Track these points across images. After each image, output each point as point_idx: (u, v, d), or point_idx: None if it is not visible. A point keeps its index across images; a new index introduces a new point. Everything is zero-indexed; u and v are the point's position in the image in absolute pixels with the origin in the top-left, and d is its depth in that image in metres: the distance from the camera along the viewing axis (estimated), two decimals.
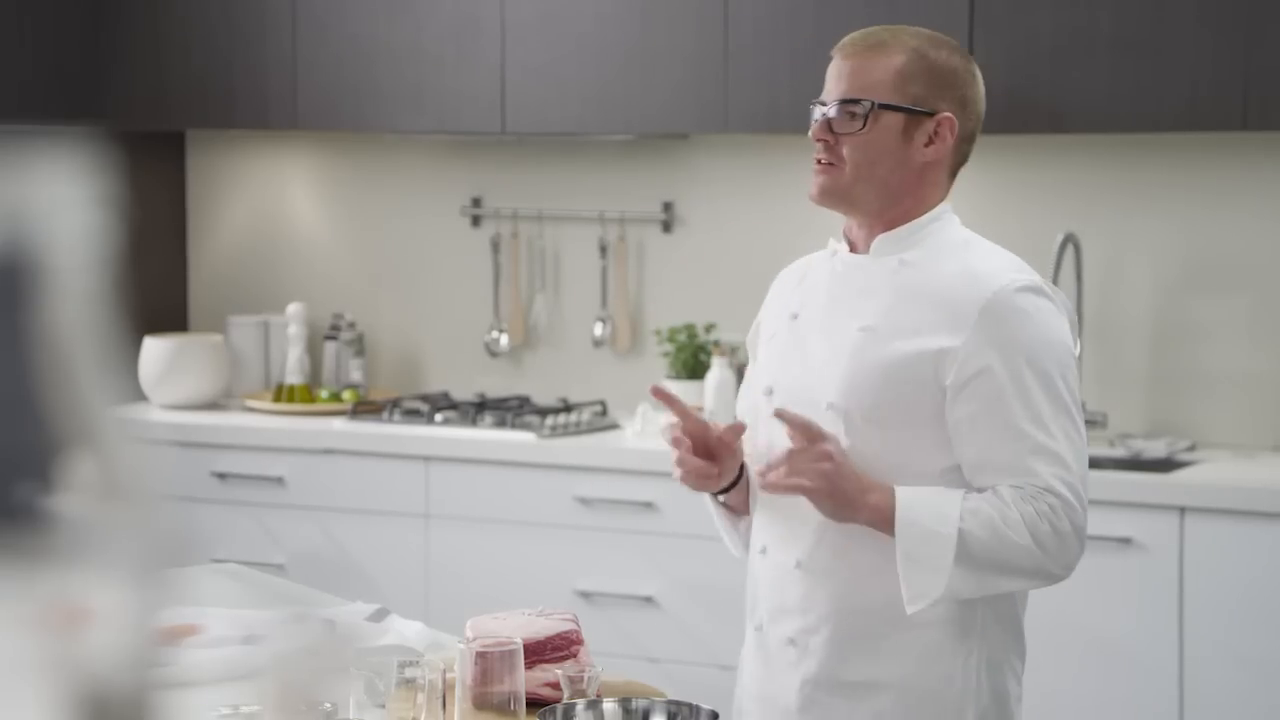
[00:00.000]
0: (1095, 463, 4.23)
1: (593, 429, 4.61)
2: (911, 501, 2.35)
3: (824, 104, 2.49)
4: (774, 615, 2.53)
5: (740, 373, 4.64)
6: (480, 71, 4.68)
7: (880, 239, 2.50)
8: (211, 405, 4.99)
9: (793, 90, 4.35)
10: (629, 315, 4.90)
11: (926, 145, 2.46)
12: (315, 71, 4.85)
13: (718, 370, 4.54)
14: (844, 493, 2.35)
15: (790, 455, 2.36)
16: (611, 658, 3.98)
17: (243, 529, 4.73)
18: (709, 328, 4.70)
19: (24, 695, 1.06)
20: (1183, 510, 3.85)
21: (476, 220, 5.08)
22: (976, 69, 2.54)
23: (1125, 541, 3.88)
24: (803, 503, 2.41)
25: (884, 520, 2.35)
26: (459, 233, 5.11)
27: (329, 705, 2.20)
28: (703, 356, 4.62)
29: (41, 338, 0.99)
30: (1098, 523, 3.93)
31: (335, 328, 5.10)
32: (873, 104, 2.44)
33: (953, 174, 2.52)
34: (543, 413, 4.63)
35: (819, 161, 2.50)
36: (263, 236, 5.34)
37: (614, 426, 4.65)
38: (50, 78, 4.93)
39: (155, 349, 4.95)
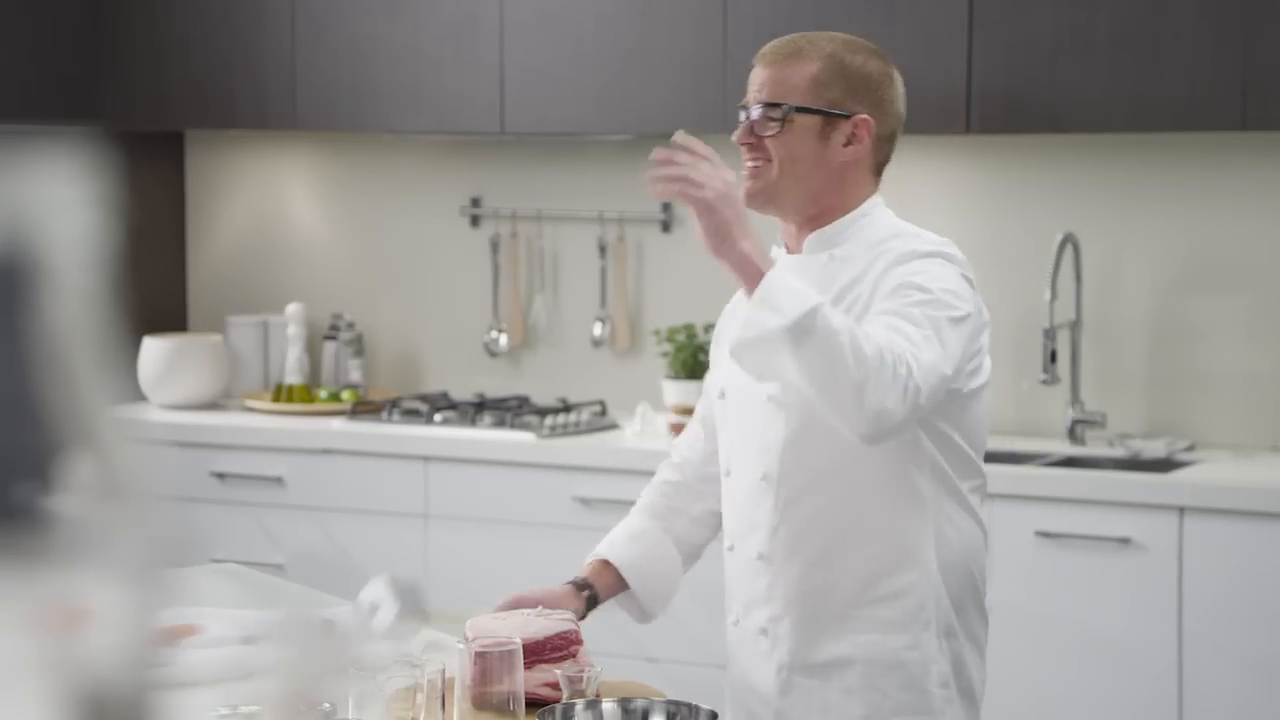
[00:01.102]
0: (1094, 462, 4.26)
1: (592, 429, 4.61)
2: (781, 272, 2.39)
3: (746, 108, 2.60)
4: (746, 607, 2.63)
5: None
6: (479, 72, 4.68)
7: (810, 238, 2.59)
8: (211, 405, 4.99)
9: None
10: (628, 315, 4.90)
11: (845, 145, 2.56)
12: (314, 72, 4.85)
13: None
14: (726, 219, 2.40)
15: (697, 161, 2.44)
16: (611, 658, 3.97)
17: (242, 529, 4.73)
18: (708, 328, 4.70)
19: (23, 695, 1.06)
20: (1182, 510, 3.85)
21: (475, 220, 5.08)
22: (895, 72, 2.63)
23: (1124, 541, 3.88)
24: (761, 496, 2.54)
25: (751, 268, 2.38)
26: (458, 233, 5.11)
27: (328, 705, 2.20)
28: (701, 356, 4.62)
29: (40, 338, 0.99)
30: (1097, 522, 3.94)
31: (334, 328, 5.10)
32: (790, 107, 2.54)
33: (877, 172, 2.63)
34: (542, 413, 4.63)
35: (746, 163, 2.59)
36: (262, 236, 5.34)
37: (613, 426, 4.65)
38: (50, 78, 4.93)
39: (154, 349, 4.95)
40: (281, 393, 4.96)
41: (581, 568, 2.77)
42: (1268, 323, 4.29)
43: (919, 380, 2.35)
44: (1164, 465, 4.08)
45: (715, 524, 2.77)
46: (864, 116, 2.56)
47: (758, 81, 2.61)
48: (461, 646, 2.31)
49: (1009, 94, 4.15)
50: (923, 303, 2.43)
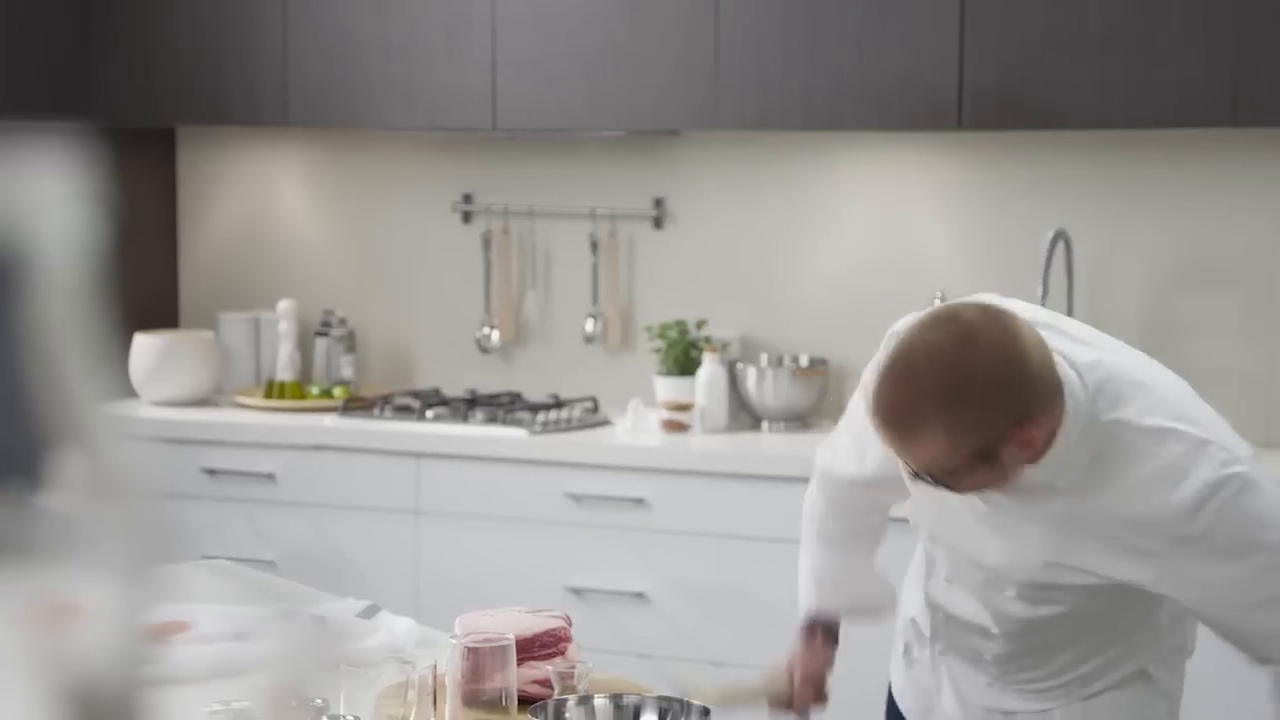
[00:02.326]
0: None
1: (584, 425, 4.61)
2: None
3: (914, 471, 2.28)
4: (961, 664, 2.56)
5: (731, 369, 4.64)
6: (471, 68, 4.67)
7: (1029, 470, 2.29)
8: (202, 402, 4.99)
9: (783, 86, 4.35)
10: (620, 311, 4.90)
11: (1023, 450, 2.22)
12: (306, 68, 4.84)
13: (709, 366, 4.54)
14: None
15: None
16: (603, 654, 3.98)
17: (233, 525, 4.72)
18: (700, 324, 4.71)
19: (12, 692, 1.06)
20: None
21: (467, 216, 5.08)
22: (1008, 348, 2.20)
23: None
24: (984, 633, 2.47)
25: None
26: (450, 229, 5.10)
27: (320, 701, 2.20)
28: (693, 353, 4.62)
29: (30, 334, 0.99)
30: None
31: (326, 324, 5.10)
32: (953, 475, 2.23)
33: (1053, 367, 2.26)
34: (534, 409, 4.63)
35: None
36: (253, 233, 5.33)
37: (605, 423, 4.65)
38: (40, 74, 4.93)
39: (146, 346, 4.95)
40: (273, 389, 4.96)
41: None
42: (1259, 319, 4.29)
43: None
44: None
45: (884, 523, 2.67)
46: (1018, 431, 2.20)
47: (894, 452, 2.26)
48: (453, 642, 2.31)
49: (1001, 90, 4.16)
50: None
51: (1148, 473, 2.24)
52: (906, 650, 2.65)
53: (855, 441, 2.55)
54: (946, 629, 2.55)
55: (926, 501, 2.42)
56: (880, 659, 2.78)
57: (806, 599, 2.72)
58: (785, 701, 2.67)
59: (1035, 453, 2.23)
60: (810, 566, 2.71)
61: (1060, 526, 2.30)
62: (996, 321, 2.21)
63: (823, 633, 2.70)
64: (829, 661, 2.68)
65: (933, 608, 2.55)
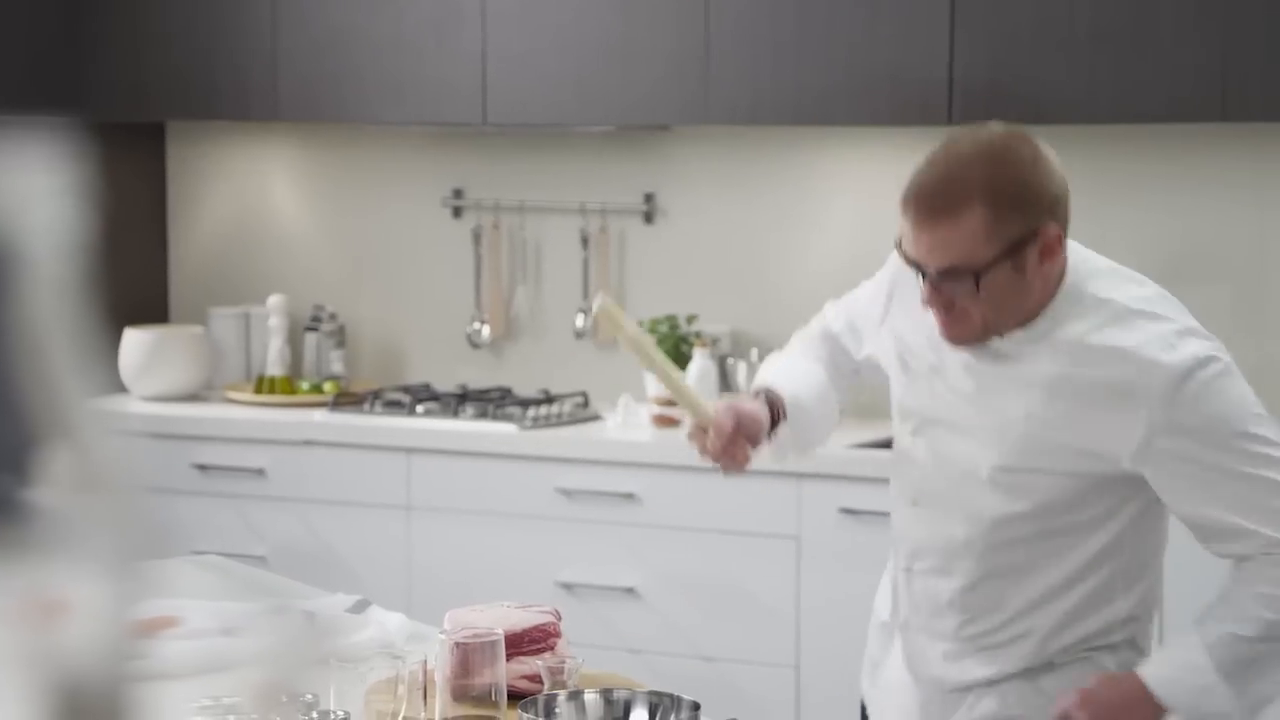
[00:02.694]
0: None
1: (574, 420, 4.61)
2: (1165, 677, 2.38)
3: (921, 268, 2.36)
4: (922, 629, 2.56)
5: (722, 363, 4.65)
6: (461, 62, 4.67)
7: (1018, 334, 2.40)
8: (192, 397, 4.98)
9: (774, 81, 4.35)
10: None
11: (1043, 263, 2.35)
12: (296, 62, 4.83)
13: (699, 361, 4.54)
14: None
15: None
16: (593, 649, 3.98)
17: (224, 521, 4.72)
18: (690, 319, 4.71)
19: (2, 687, 1.06)
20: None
21: (458, 211, 5.08)
22: (1041, 151, 2.37)
23: None
24: (957, 552, 2.48)
25: (1156, 707, 2.39)
26: (440, 224, 5.10)
27: (310, 696, 2.20)
28: (684, 348, 4.62)
29: (18, 329, 0.99)
30: None
31: (316, 319, 5.10)
32: (977, 273, 2.32)
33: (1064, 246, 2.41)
34: (524, 404, 4.63)
35: (942, 319, 2.38)
36: (243, 228, 5.33)
37: (595, 418, 4.65)
38: (29, 68, 4.92)
39: (136, 341, 4.94)
40: (263, 384, 4.96)
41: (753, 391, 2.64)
42: (1248, 313, 4.30)
43: None
44: None
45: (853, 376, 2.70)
46: (1049, 227, 2.32)
47: (919, 244, 2.35)
48: (442, 637, 2.31)
49: (991, 86, 4.16)
50: (1259, 494, 2.34)
51: (1134, 342, 2.33)
52: (874, 664, 2.67)
53: (851, 328, 2.66)
54: (909, 586, 2.56)
55: (917, 383, 2.49)
56: (856, 676, 2.78)
57: (761, 378, 2.69)
58: (704, 436, 2.56)
59: (1053, 265, 2.33)
60: (775, 363, 2.74)
61: (1045, 394, 2.37)
62: (1031, 139, 2.38)
63: (767, 401, 2.63)
64: (764, 425, 2.58)
65: (899, 551, 2.57)
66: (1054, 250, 2.34)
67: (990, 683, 2.50)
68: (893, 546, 2.61)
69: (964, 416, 2.45)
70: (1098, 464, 2.38)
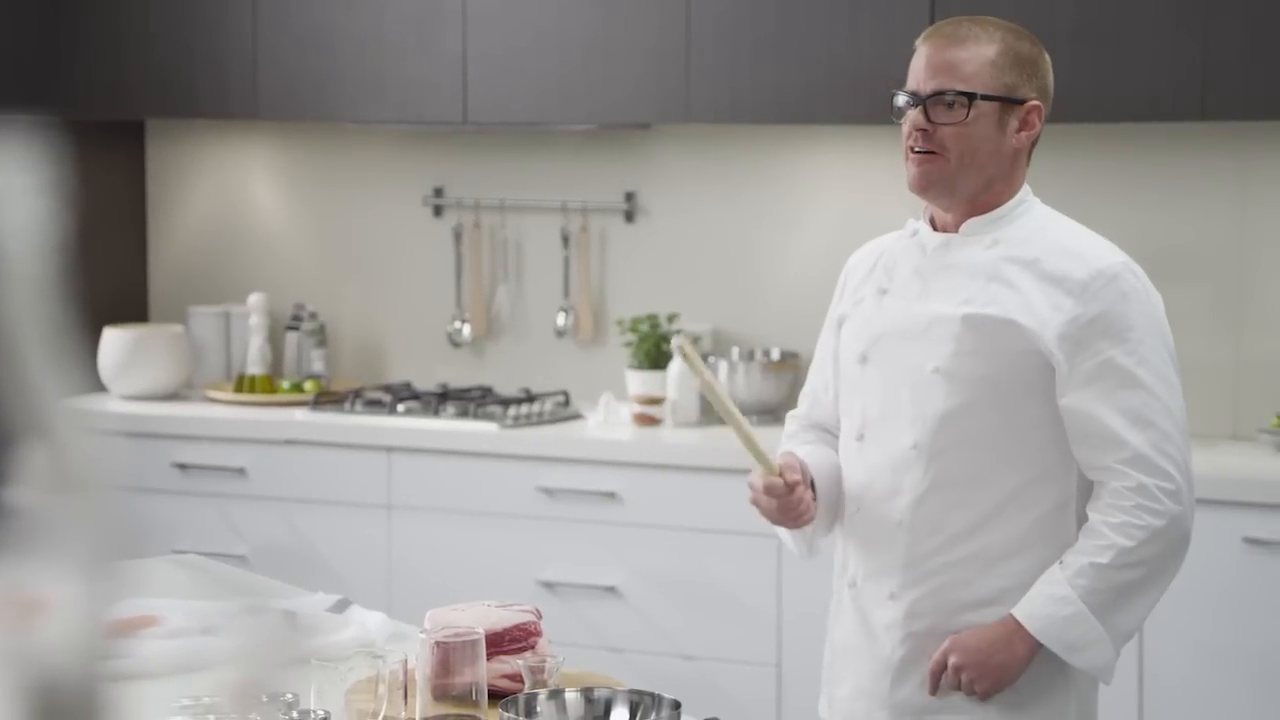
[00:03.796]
0: None
1: (555, 419, 4.61)
2: (1032, 611, 2.47)
3: (915, 94, 2.54)
4: (873, 573, 2.61)
5: (704, 360, 4.64)
6: (442, 61, 4.66)
7: (971, 222, 2.57)
8: (172, 396, 4.97)
9: (754, 80, 4.35)
10: (591, 305, 4.89)
11: (1019, 132, 2.54)
12: (276, 61, 4.83)
13: (680, 361, 4.54)
14: (998, 667, 2.49)
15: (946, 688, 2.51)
16: (574, 648, 3.98)
17: (204, 520, 4.71)
18: (671, 318, 4.71)
19: None
20: None
21: (438, 210, 5.07)
22: (1045, 53, 2.62)
23: None
24: (908, 465, 2.54)
25: (1026, 640, 2.48)
26: (421, 223, 5.09)
27: (290, 696, 2.19)
28: (665, 346, 4.62)
29: None
30: None
31: (297, 318, 5.09)
32: (973, 95, 2.50)
33: (1029, 158, 2.61)
34: (505, 403, 4.62)
35: (914, 150, 2.54)
36: (224, 226, 5.32)
37: (576, 417, 4.65)
38: (6, 65, 4.90)
39: (115, 339, 4.93)
40: (243, 383, 4.95)
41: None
42: (1226, 312, 4.31)
43: (1180, 507, 2.46)
44: None
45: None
46: (1036, 102, 2.55)
47: (929, 65, 2.55)
48: (422, 637, 2.30)
49: None
50: (1145, 407, 2.47)
51: (1074, 241, 2.55)
52: (830, 677, 2.70)
53: (822, 387, 2.75)
54: (855, 530, 2.61)
55: (866, 310, 2.61)
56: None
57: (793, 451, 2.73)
58: (776, 492, 2.58)
59: (1027, 136, 2.53)
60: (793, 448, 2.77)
61: (985, 279, 2.52)
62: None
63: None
64: (810, 505, 2.61)
65: (847, 496, 2.62)
66: (1032, 124, 2.54)
67: (935, 634, 2.56)
68: (844, 498, 2.66)
69: (911, 321, 2.56)
70: (1021, 339, 2.47)
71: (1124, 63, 4.04)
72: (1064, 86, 4.24)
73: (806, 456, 2.68)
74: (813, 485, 2.64)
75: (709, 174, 4.77)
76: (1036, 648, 2.48)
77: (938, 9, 4.17)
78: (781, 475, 2.57)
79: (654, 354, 4.61)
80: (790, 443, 2.76)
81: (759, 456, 2.59)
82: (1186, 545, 2.51)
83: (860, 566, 2.62)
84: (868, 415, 2.60)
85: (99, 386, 4.95)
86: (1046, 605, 2.47)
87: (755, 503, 2.61)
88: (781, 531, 2.71)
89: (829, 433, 2.75)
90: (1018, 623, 2.48)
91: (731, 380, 4.56)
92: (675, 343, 2.61)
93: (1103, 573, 2.45)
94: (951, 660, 2.50)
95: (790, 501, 2.57)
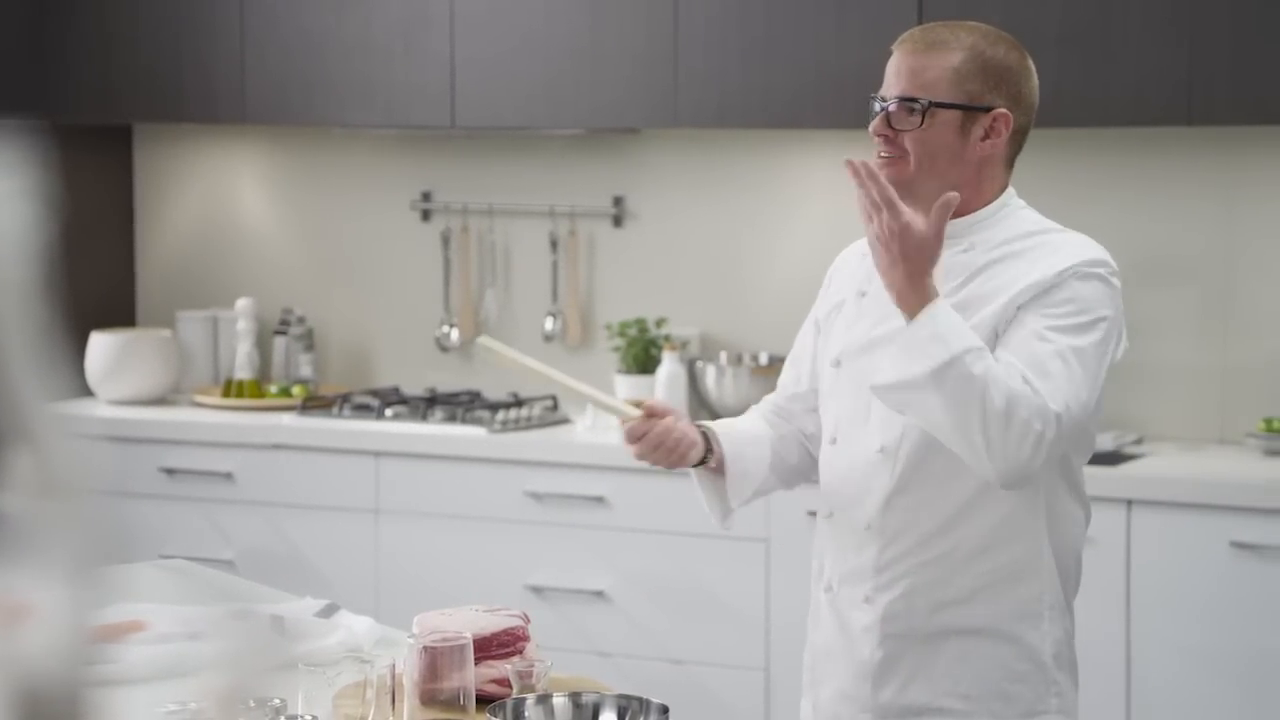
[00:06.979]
0: None
1: (543, 424, 4.61)
2: (946, 307, 2.43)
3: (883, 99, 2.57)
4: (847, 577, 2.61)
5: (691, 367, 4.65)
6: (430, 65, 4.66)
7: (953, 224, 2.54)
8: (160, 401, 4.97)
9: (742, 85, 4.35)
10: (580, 309, 4.89)
11: (983, 139, 2.54)
12: (264, 65, 4.82)
13: (668, 364, 4.54)
14: (931, 253, 2.44)
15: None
16: (562, 652, 3.98)
17: (191, 525, 4.70)
18: (659, 322, 4.71)
19: None
20: (1130, 503, 3.88)
21: (426, 214, 5.07)
22: (1031, 64, 2.61)
23: None
24: (876, 468, 2.55)
25: (923, 300, 2.43)
26: (409, 227, 5.09)
27: (277, 701, 2.19)
28: (653, 351, 4.62)
29: None
30: None
31: (285, 322, 5.08)
32: (929, 102, 2.52)
33: (1010, 165, 2.61)
34: (493, 407, 4.62)
35: (880, 155, 2.57)
36: (211, 231, 5.31)
37: (565, 421, 4.65)
38: None
39: (103, 344, 4.92)
40: (231, 388, 4.94)
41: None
42: (1213, 316, 4.32)
43: (1052, 431, 2.39)
44: (1112, 458, 4.10)
45: (802, 450, 2.75)
46: (1003, 110, 2.54)
47: (896, 72, 2.57)
48: (410, 642, 2.30)
49: None
50: (1062, 329, 2.46)
51: (1051, 247, 2.54)
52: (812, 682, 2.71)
53: (794, 363, 2.79)
54: (830, 532, 2.62)
55: (847, 315, 2.65)
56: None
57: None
58: (638, 433, 2.61)
59: (994, 143, 2.53)
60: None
61: (960, 279, 2.53)
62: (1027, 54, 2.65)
63: (702, 433, 2.69)
64: (694, 441, 2.64)
65: (823, 499, 2.64)
66: (998, 132, 2.53)
67: (908, 634, 2.55)
68: (820, 501, 2.68)
69: (883, 326, 2.57)
70: (991, 341, 2.46)
71: (1111, 67, 4.05)
72: (1051, 91, 4.25)
73: (729, 423, 2.73)
74: (710, 439, 2.66)
75: (697, 178, 4.78)
76: (926, 300, 2.41)
77: (925, 14, 4.17)
78: (640, 405, 2.61)
79: (642, 358, 4.61)
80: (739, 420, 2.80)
81: (613, 409, 2.65)
82: (1029, 444, 2.40)
83: (835, 570, 2.63)
84: (840, 419, 2.63)
85: (86, 391, 4.95)
86: (954, 322, 2.41)
87: (633, 453, 2.63)
88: (699, 494, 2.72)
89: (787, 423, 2.77)
90: (931, 299, 2.42)
91: (719, 384, 4.56)
92: (478, 343, 2.63)
93: (986, 360, 2.39)
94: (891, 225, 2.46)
95: (657, 435, 2.59)
